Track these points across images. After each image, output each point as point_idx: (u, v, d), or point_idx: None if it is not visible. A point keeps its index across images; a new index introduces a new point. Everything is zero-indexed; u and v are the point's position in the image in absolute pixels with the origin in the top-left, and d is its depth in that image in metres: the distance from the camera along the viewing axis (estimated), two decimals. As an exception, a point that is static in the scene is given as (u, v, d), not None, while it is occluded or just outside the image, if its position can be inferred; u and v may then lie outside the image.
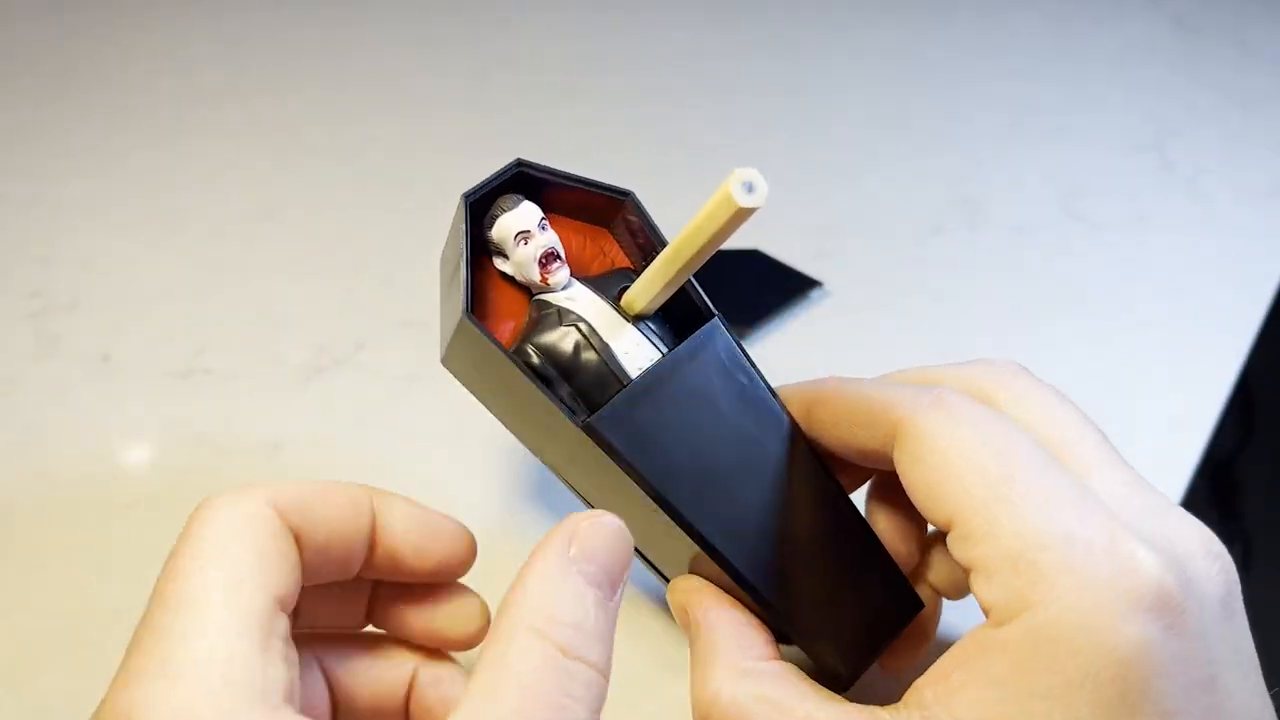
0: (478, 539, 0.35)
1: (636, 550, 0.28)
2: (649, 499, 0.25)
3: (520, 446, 0.33)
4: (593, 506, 0.28)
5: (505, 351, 0.25)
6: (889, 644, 0.26)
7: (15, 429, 0.39)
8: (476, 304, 0.27)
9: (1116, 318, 0.47)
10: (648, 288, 0.27)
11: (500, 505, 0.36)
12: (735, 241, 0.51)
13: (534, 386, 0.25)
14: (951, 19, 0.78)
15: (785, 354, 0.44)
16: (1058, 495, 0.22)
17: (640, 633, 0.32)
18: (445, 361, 0.29)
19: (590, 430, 0.25)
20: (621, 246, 0.31)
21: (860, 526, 0.27)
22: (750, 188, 0.22)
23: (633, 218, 0.30)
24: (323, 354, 0.43)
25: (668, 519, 0.25)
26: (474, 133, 0.60)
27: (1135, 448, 0.40)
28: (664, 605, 0.32)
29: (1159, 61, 0.73)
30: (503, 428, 0.30)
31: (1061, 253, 0.51)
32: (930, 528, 0.28)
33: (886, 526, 0.27)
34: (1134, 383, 0.43)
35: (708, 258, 0.25)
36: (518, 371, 0.25)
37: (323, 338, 0.44)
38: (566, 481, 0.29)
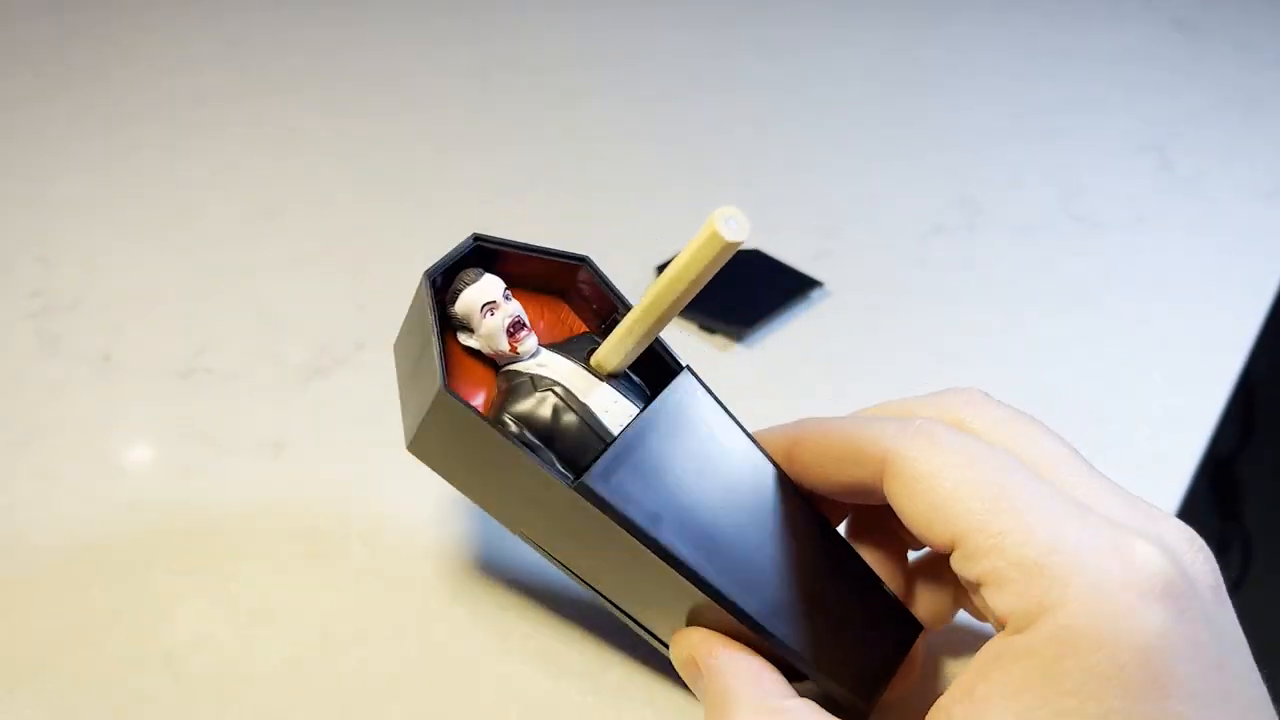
0: (476, 539, 0.35)
1: (628, 616, 0.28)
2: (647, 552, 0.25)
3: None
4: (581, 579, 0.28)
5: (487, 420, 0.25)
6: (898, 668, 0.26)
7: (16, 428, 0.39)
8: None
9: (1116, 318, 0.47)
10: (620, 344, 0.27)
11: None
12: (736, 241, 0.51)
13: (521, 453, 0.25)
14: (952, 19, 0.78)
15: (785, 354, 0.44)
16: (1054, 503, 0.22)
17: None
18: (412, 446, 0.28)
19: (584, 490, 0.24)
20: (578, 313, 0.31)
21: (854, 558, 0.27)
22: (732, 223, 0.22)
23: (586, 284, 0.30)
24: (323, 354, 0.43)
25: (664, 571, 0.25)
26: (474, 132, 0.60)
27: (1135, 448, 0.40)
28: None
29: (1159, 62, 0.73)
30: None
31: (1061, 253, 0.51)
32: (911, 557, 0.29)
33: (870, 561, 0.28)
34: (1134, 383, 0.43)
35: (687, 303, 0.25)
36: (502, 441, 0.25)
37: (323, 337, 0.44)
38: (553, 556, 0.29)
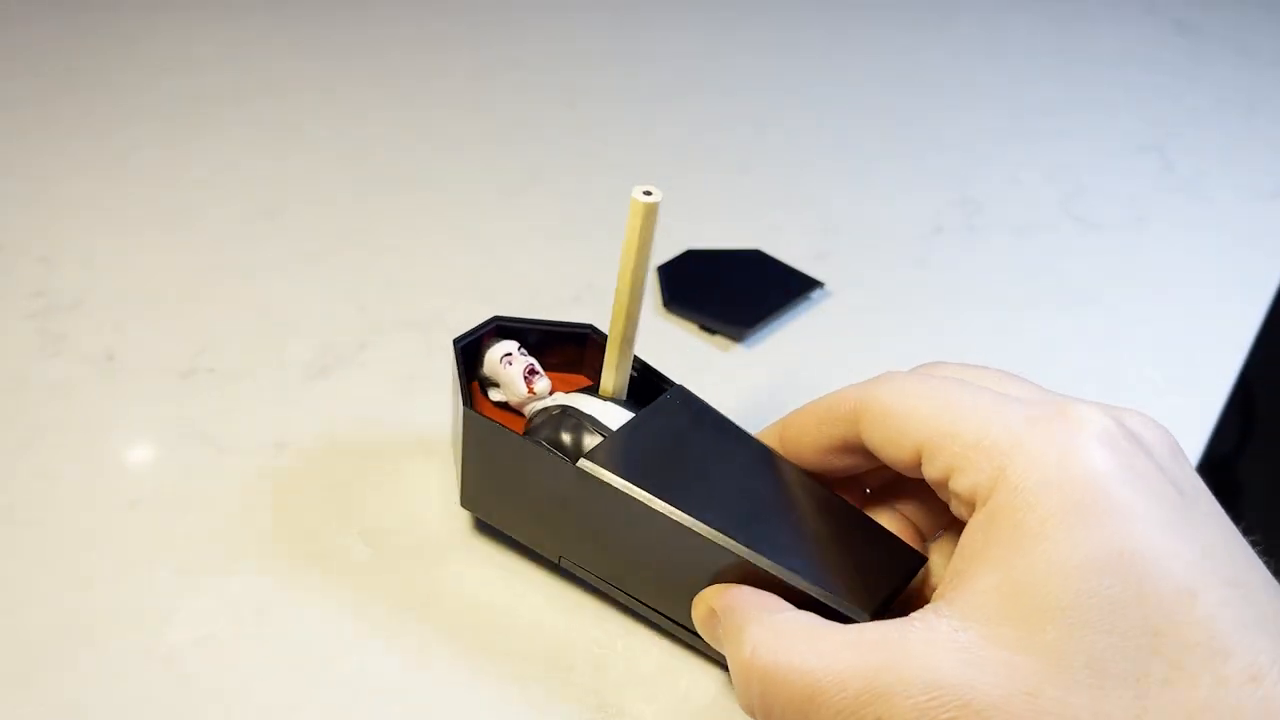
0: (479, 540, 0.35)
1: (662, 614, 0.30)
2: (656, 524, 0.27)
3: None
4: (618, 587, 0.31)
5: (500, 426, 0.29)
6: (900, 592, 0.27)
7: (18, 428, 0.39)
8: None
9: (1116, 318, 0.47)
10: (611, 356, 0.31)
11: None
12: (737, 242, 0.51)
13: (534, 447, 0.29)
14: (953, 20, 0.78)
15: (786, 354, 0.44)
16: (1000, 400, 0.25)
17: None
18: (464, 501, 0.33)
19: (585, 466, 0.28)
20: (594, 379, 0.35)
21: (851, 508, 0.29)
22: (648, 193, 0.28)
23: (598, 349, 0.34)
24: (326, 353, 0.43)
25: (674, 538, 0.27)
26: (476, 133, 0.60)
27: (1135, 448, 0.40)
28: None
29: (1159, 63, 0.73)
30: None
31: (1061, 253, 0.52)
32: (928, 541, 0.30)
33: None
34: (1134, 383, 0.43)
35: (643, 282, 0.29)
36: (520, 443, 0.29)
37: (326, 337, 0.44)
38: (593, 574, 0.31)
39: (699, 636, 0.29)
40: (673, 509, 0.27)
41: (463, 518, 0.35)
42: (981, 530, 0.23)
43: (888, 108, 0.65)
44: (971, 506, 0.24)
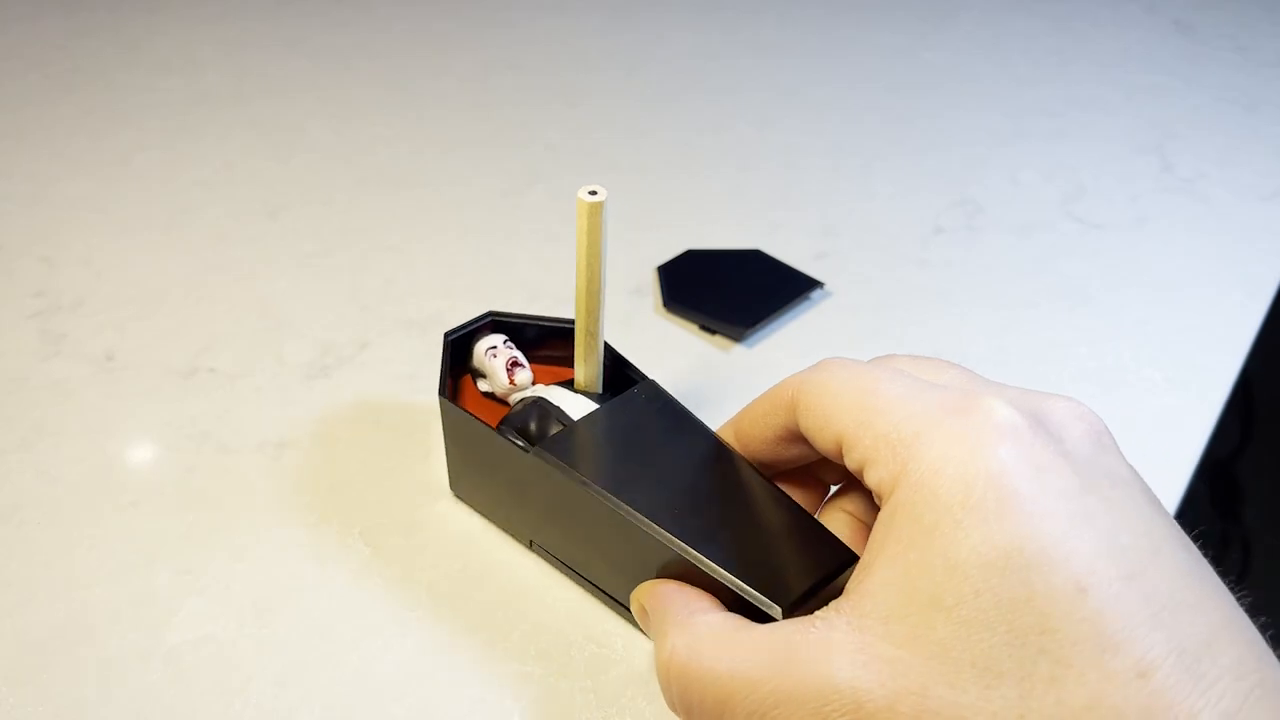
0: (478, 540, 0.35)
1: (613, 598, 0.31)
2: (602, 509, 0.28)
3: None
4: (576, 570, 0.32)
5: (469, 414, 0.32)
6: (822, 587, 0.27)
7: (20, 428, 0.39)
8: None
9: (1116, 318, 0.47)
10: (580, 351, 0.33)
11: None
12: (737, 242, 0.51)
13: (496, 436, 0.31)
14: (953, 21, 0.78)
15: (786, 354, 0.44)
16: (916, 388, 0.24)
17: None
18: (452, 486, 0.36)
19: (539, 454, 0.30)
20: None
21: (788, 501, 0.29)
22: (593, 193, 0.29)
23: None
24: (327, 353, 0.43)
25: (617, 525, 0.28)
26: (477, 133, 0.60)
27: (1134, 448, 0.40)
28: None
29: (1159, 64, 0.73)
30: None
31: (1061, 253, 0.52)
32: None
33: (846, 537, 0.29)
34: (1133, 383, 0.43)
35: (604, 280, 0.31)
36: (487, 430, 0.31)
37: (326, 337, 0.44)
38: (557, 559, 0.33)
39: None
40: (612, 498, 0.28)
41: (463, 517, 0.36)
42: (884, 525, 0.23)
43: (888, 108, 0.65)
44: (880, 496, 0.24)
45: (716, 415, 0.32)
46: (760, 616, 0.26)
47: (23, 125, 0.59)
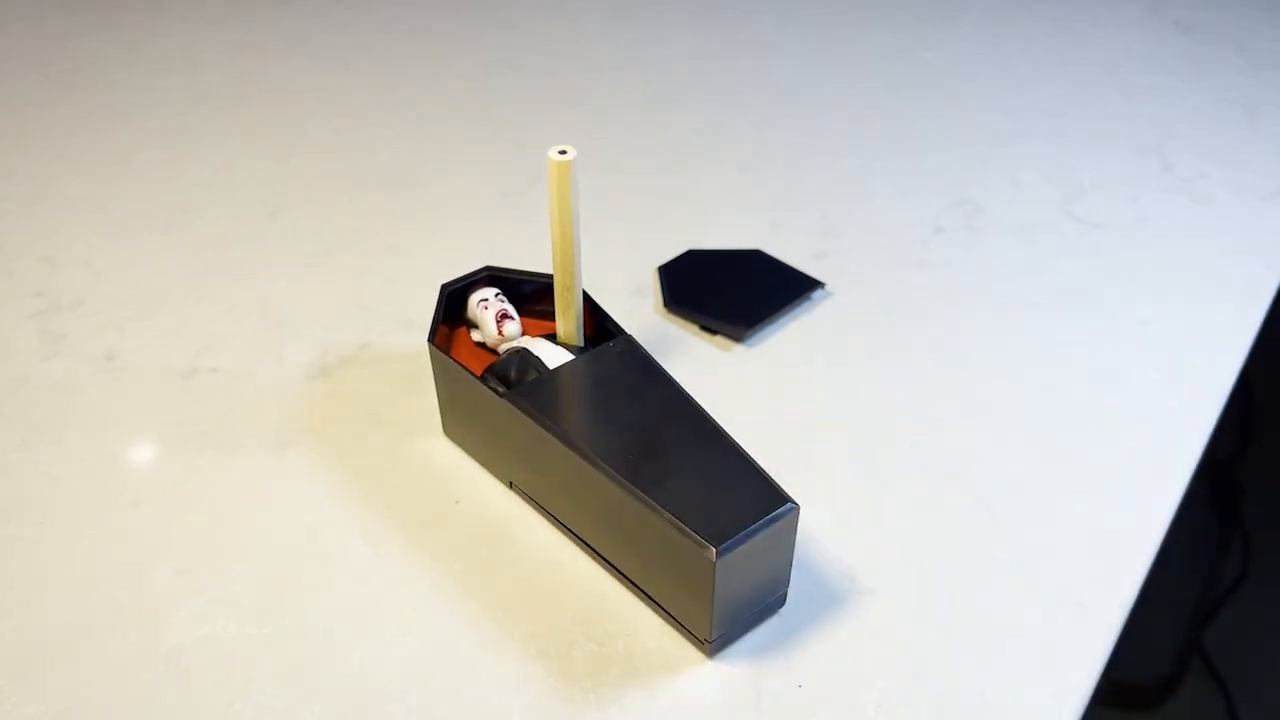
0: (478, 538, 0.35)
1: (588, 545, 0.34)
2: (557, 446, 0.31)
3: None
4: (551, 514, 0.34)
5: (455, 361, 0.34)
6: (754, 533, 0.29)
7: (21, 427, 0.39)
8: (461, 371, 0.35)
9: (1116, 318, 0.47)
10: (559, 306, 0.35)
11: (502, 495, 0.36)
12: (737, 242, 0.51)
13: (476, 382, 0.33)
14: (954, 22, 0.78)
15: (786, 354, 0.44)
16: None
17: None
18: (445, 429, 0.38)
19: (511, 398, 0.32)
20: None
21: (740, 451, 0.31)
22: (562, 152, 0.31)
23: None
24: (327, 353, 0.43)
25: (571, 461, 0.30)
26: (477, 133, 0.61)
27: (1134, 448, 0.40)
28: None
29: (1160, 65, 0.73)
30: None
31: (1061, 253, 0.52)
32: None
33: None
34: (1133, 383, 0.43)
35: (575, 229, 0.33)
36: (469, 377, 0.33)
37: (327, 336, 0.44)
38: (531, 499, 0.35)
39: (621, 572, 0.32)
40: (572, 442, 0.30)
41: (463, 518, 0.36)
42: None
43: (888, 108, 0.65)
44: None
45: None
46: (697, 555, 0.28)
47: (23, 125, 0.59)
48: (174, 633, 0.32)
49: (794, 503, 0.29)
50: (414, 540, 0.35)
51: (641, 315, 0.46)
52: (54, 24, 0.71)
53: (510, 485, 0.36)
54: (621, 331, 0.35)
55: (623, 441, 0.30)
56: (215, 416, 0.40)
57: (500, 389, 0.33)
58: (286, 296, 0.46)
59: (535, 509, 0.35)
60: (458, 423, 0.37)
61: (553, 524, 0.34)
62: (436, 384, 0.37)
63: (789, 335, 0.45)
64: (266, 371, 0.42)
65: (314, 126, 0.60)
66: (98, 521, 0.35)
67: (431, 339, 0.35)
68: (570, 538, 0.34)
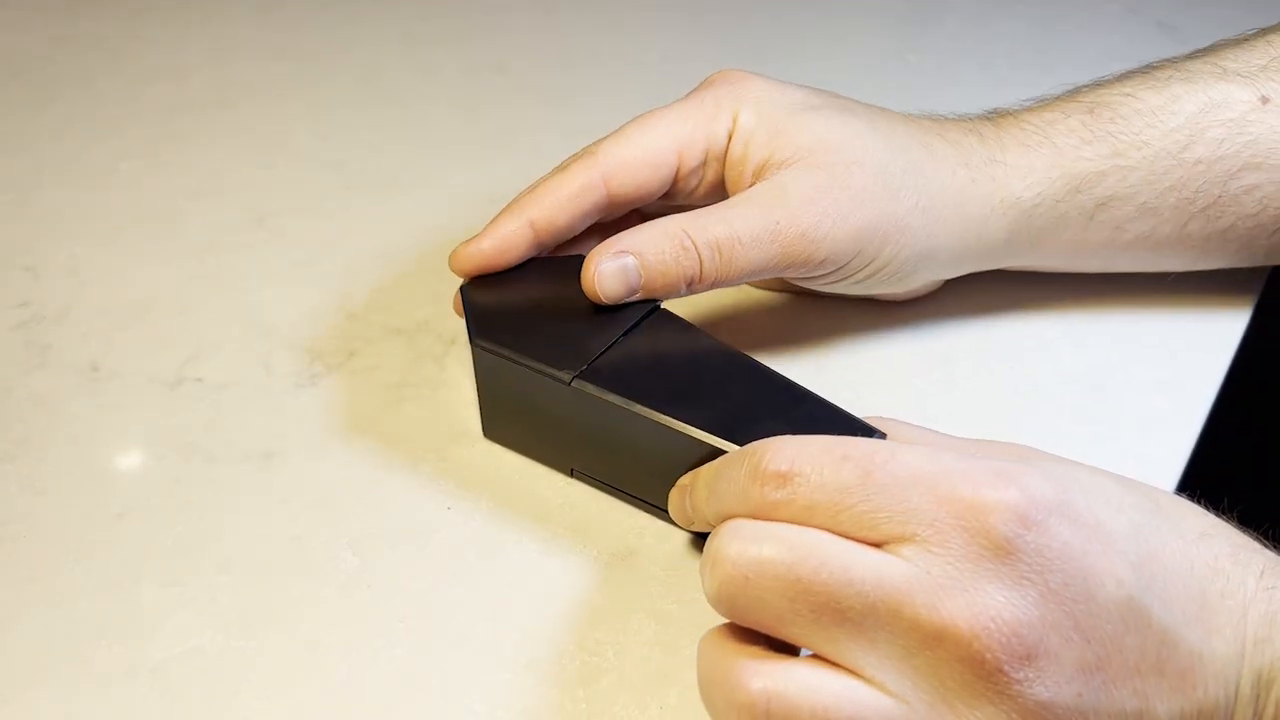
0: (468, 546, 0.35)
1: (654, 505, 0.35)
2: (639, 425, 0.32)
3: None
4: (620, 490, 0.36)
5: (511, 355, 0.34)
6: None
7: (4, 440, 0.39)
8: None
9: (1106, 317, 0.47)
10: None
11: (492, 502, 0.36)
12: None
13: (543, 372, 0.33)
14: (938, 23, 0.78)
15: (786, 354, 0.44)
16: None
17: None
18: (486, 431, 0.38)
19: (579, 381, 0.33)
20: None
21: (809, 394, 0.33)
22: None
23: None
24: (315, 362, 0.43)
25: (657, 437, 0.32)
26: (467, 137, 0.60)
27: (1124, 447, 0.40)
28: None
29: (1142, 64, 0.73)
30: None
31: (1049, 255, 0.52)
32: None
33: None
34: (1122, 383, 0.43)
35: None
36: (528, 370, 0.34)
37: (314, 345, 0.44)
38: (598, 479, 0.36)
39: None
40: (663, 415, 0.32)
41: (451, 528, 0.35)
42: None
43: (875, 111, 0.65)
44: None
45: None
46: None
47: (4, 133, 0.59)
48: (161, 646, 0.31)
49: (882, 432, 0.31)
50: (402, 550, 0.34)
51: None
52: (35, 31, 0.70)
53: (571, 473, 0.36)
54: (655, 303, 0.37)
55: (703, 403, 0.32)
56: (202, 427, 0.39)
57: (565, 376, 0.34)
58: (273, 305, 0.46)
59: (604, 490, 0.36)
60: (506, 421, 0.37)
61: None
62: (479, 387, 0.36)
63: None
64: (253, 381, 0.42)
65: (301, 132, 0.60)
66: (83, 534, 0.35)
67: (473, 339, 0.35)
68: (646, 509, 0.35)
